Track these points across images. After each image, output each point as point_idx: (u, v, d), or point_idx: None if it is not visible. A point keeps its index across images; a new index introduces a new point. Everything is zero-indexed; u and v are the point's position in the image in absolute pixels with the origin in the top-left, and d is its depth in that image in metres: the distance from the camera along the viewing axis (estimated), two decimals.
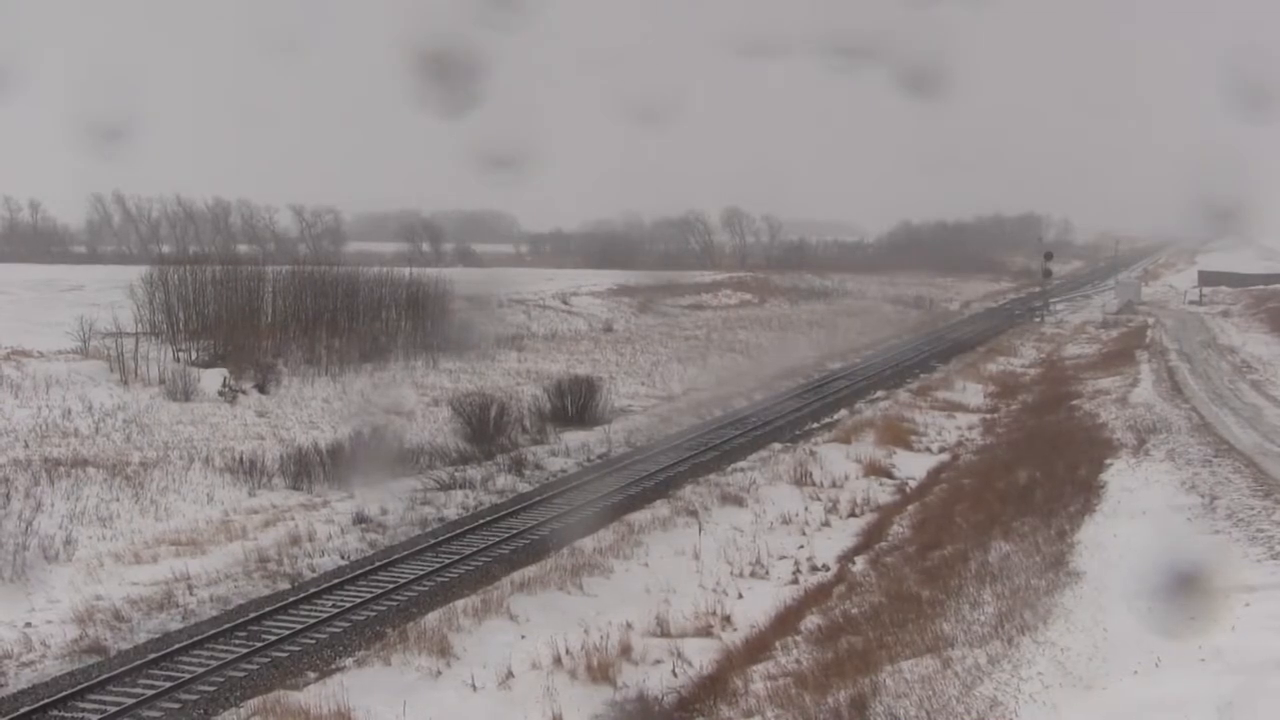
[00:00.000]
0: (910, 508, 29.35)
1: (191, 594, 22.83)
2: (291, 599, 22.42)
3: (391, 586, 23.33)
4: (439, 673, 18.78)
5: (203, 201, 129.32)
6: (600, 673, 18.68)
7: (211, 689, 18.35)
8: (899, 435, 38.88)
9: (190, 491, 29.71)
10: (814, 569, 24.73)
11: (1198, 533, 20.30)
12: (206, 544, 25.95)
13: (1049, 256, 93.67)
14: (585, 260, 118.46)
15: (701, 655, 19.47)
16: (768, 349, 64.00)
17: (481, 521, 28.34)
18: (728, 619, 21.48)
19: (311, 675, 18.93)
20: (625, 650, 19.65)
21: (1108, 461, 28.20)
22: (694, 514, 28.56)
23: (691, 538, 26.42)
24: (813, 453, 35.82)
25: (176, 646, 19.82)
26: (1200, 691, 12.35)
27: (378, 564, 24.74)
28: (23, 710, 17.36)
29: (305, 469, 31.74)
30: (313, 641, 20.43)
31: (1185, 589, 14.86)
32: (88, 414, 36.29)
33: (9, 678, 18.86)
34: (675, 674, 18.83)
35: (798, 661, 17.94)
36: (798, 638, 19.36)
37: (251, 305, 51.72)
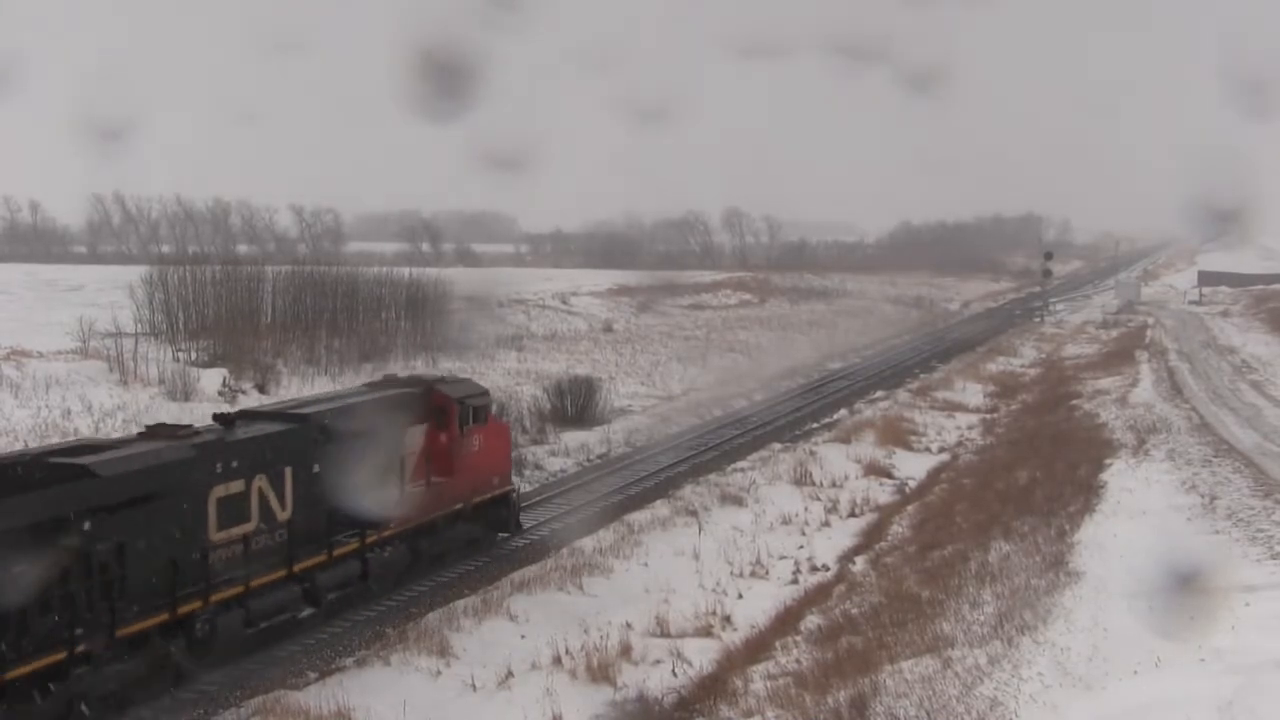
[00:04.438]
0: (910, 508, 29.36)
1: None
2: None
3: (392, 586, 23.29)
4: (439, 672, 18.79)
5: (203, 202, 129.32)
6: (600, 673, 18.69)
7: (213, 689, 18.35)
8: (899, 435, 38.89)
9: None
10: (814, 569, 24.74)
11: (1198, 533, 20.32)
12: None
13: (1049, 256, 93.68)
14: (585, 260, 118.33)
15: (701, 655, 19.48)
16: (768, 349, 63.95)
17: None
18: (728, 619, 21.49)
19: (311, 675, 18.93)
20: (625, 650, 19.66)
21: (1108, 461, 28.21)
22: (694, 514, 28.55)
23: (691, 538, 26.42)
24: (813, 453, 35.82)
25: None
26: (1200, 691, 12.35)
27: None
28: None
29: None
30: (313, 641, 20.43)
31: (1185, 589, 14.87)
32: (87, 414, 36.25)
33: None
34: (675, 674, 18.84)
35: (798, 661, 17.95)
36: (798, 638, 19.37)
37: (251, 305, 51.66)
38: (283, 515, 19.89)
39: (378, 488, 21.32)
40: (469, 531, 25.19)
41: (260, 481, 19.43)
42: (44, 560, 15.42)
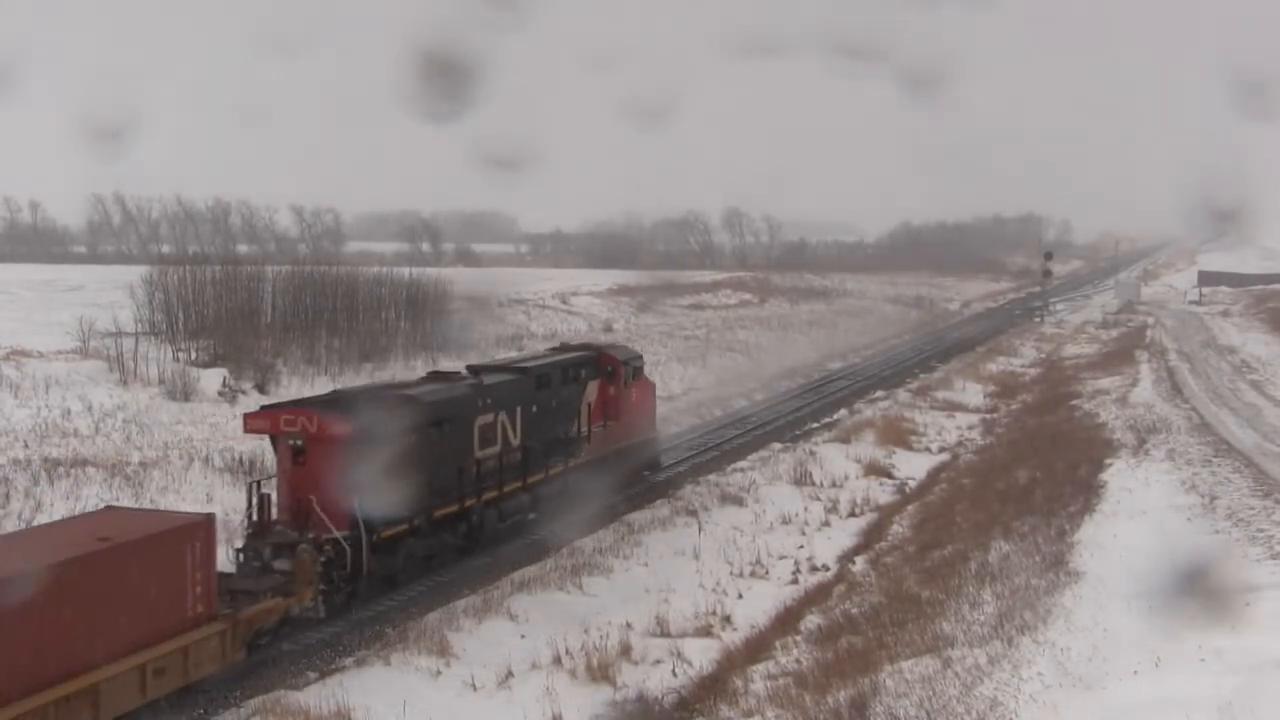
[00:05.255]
0: (910, 508, 29.37)
1: None
2: None
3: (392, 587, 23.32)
4: (439, 672, 18.79)
5: (203, 202, 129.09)
6: (600, 672, 18.70)
7: (212, 689, 18.33)
8: (899, 435, 38.89)
9: (190, 491, 29.66)
10: (814, 569, 24.75)
11: (1197, 533, 20.32)
12: None
13: (1049, 256, 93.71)
14: (585, 260, 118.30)
15: (701, 655, 19.50)
16: (768, 349, 63.92)
17: None
18: (728, 619, 21.50)
19: (312, 675, 18.93)
20: (625, 650, 19.67)
21: (1107, 461, 28.21)
22: (694, 514, 28.57)
23: (691, 537, 26.44)
24: (812, 452, 35.82)
25: None
26: (1200, 691, 12.36)
27: None
28: None
29: None
30: (313, 641, 20.43)
31: (1185, 589, 14.87)
32: (87, 414, 36.25)
33: None
34: (675, 674, 18.85)
35: (798, 661, 17.96)
36: (798, 638, 19.38)
37: (251, 305, 51.59)
38: (515, 442, 26.22)
39: (571, 426, 29.06)
40: (630, 466, 31.08)
41: (502, 416, 25.85)
42: (392, 460, 21.06)
